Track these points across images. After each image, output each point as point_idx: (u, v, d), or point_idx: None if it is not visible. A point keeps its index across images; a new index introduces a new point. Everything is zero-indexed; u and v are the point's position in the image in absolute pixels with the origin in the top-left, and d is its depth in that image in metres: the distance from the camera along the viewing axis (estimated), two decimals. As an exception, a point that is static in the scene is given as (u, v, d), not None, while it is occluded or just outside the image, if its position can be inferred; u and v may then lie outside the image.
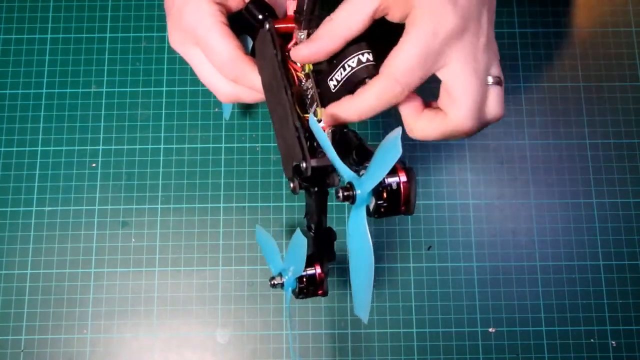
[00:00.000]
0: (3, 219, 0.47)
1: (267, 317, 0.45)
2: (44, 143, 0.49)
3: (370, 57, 0.30)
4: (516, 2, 0.52)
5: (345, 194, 0.26)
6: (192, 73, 0.37)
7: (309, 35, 0.32)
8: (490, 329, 0.45)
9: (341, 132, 0.30)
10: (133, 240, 0.47)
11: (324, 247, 0.36)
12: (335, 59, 0.30)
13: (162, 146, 0.49)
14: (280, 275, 0.35)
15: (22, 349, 0.45)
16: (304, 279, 0.34)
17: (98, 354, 0.45)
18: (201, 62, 0.35)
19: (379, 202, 0.26)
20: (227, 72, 0.34)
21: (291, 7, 0.33)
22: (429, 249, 0.47)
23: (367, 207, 0.27)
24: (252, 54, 0.36)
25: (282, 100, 0.32)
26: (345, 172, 0.26)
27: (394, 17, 0.30)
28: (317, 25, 0.31)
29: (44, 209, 0.47)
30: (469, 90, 0.30)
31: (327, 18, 0.31)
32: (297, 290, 0.35)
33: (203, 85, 0.36)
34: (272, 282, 0.35)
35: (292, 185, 0.32)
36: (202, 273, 0.46)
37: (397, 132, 0.24)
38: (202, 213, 0.47)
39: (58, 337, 0.45)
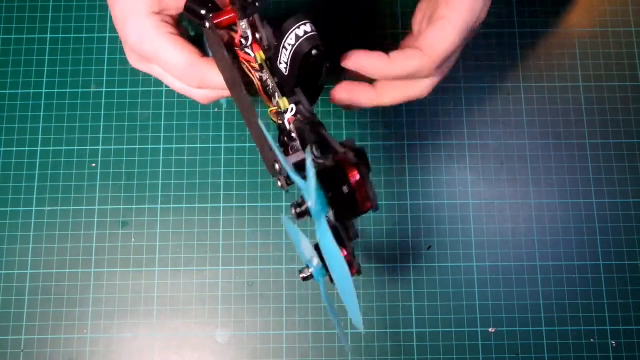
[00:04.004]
0: (3, 219, 0.47)
1: (267, 317, 0.45)
2: (44, 143, 0.49)
3: (308, 28, 0.28)
4: (516, 2, 0.52)
5: (299, 210, 0.24)
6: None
7: (252, 24, 0.30)
8: (490, 329, 0.45)
9: (301, 123, 0.28)
10: (133, 240, 0.47)
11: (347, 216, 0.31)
12: (277, 41, 0.29)
13: (162, 146, 0.49)
14: (307, 267, 0.32)
15: (22, 349, 0.45)
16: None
17: (98, 354, 0.45)
18: (164, 75, 0.34)
19: (336, 210, 0.25)
20: (188, 81, 0.33)
21: None
22: (429, 249, 0.47)
23: (328, 217, 0.25)
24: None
25: (241, 98, 0.30)
26: (298, 182, 0.24)
27: None
28: (255, 12, 0.29)
29: (44, 209, 0.47)
30: None
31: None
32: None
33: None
34: (302, 277, 0.32)
35: (279, 184, 0.30)
36: (202, 273, 0.46)
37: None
38: (202, 213, 0.47)
39: (58, 337, 0.45)
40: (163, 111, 0.49)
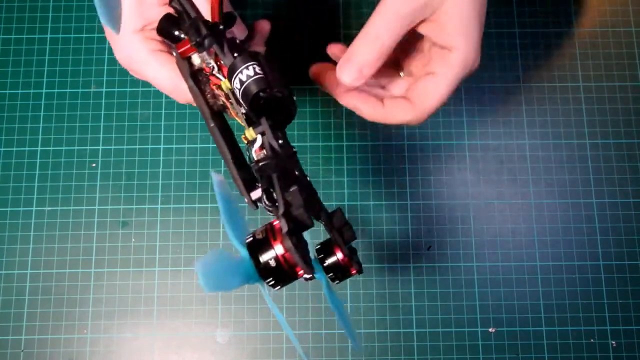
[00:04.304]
0: (3, 219, 0.47)
1: (267, 317, 0.45)
2: (44, 143, 0.49)
3: (251, 72, 0.28)
4: (516, 2, 0.52)
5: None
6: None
7: (214, 54, 0.30)
8: (490, 329, 0.45)
9: (261, 163, 0.29)
10: (133, 240, 0.47)
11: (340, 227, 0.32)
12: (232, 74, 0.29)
13: (162, 146, 0.49)
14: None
15: (22, 349, 0.45)
16: (330, 269, 0.31)
17: (98, 354, 0.45)
18: (156, 84, 0.35)
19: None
20: (177, 98, 0.34)
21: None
22: (429, 249, 0.47)
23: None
24: None
25: (211, 130, 0.31)
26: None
27: (436, 38, 0.32)
28: (211, 45, 0.29)
29: (44, 209, 0.47)
30: (473, 24, 0.32)
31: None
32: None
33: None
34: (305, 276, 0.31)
35: (245, 200, 0.31)
36: (202, 273, 0.46)
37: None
38: (202, 213, 0.47)
39: (58, 337, 0.45)
40: (163, 111, 0.49)
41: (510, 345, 0.45)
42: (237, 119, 0.31)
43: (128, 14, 0.33)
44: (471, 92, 0.50)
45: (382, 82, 0.37)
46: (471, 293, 0.46)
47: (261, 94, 0.28)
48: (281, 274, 0.25)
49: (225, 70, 0.30)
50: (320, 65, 0.36)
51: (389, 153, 0.48)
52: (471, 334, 0.45)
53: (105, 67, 0.50)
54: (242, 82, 0.28)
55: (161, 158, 0.48)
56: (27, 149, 0.48)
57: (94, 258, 0.47)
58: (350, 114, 0.49)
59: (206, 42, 0.29)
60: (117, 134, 0.49)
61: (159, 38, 0.33)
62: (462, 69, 0.32)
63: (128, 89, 0.50)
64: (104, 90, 0.50)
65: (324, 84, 0.35)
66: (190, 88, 0.31)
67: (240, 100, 0.29)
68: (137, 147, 0.49)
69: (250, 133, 0.29)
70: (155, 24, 0.33)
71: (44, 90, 0.50)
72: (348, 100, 0.34)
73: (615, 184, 0.48)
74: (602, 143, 0.49)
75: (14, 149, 0.48)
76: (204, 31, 0.29)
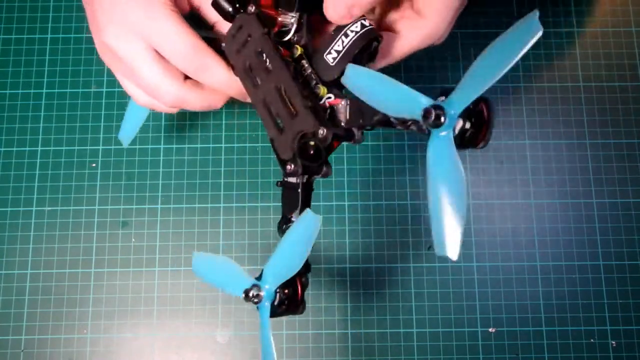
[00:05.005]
0: (3, 219, 0.47)
1: (267, 317, 0.45)
2: (44, 143, 0.49)
3: (366, 23, 0.30)
4: (516, 2, 0.52)
5: (437, 112, 0.23)
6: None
7: (300, 18, 0.32)
8: (490, 329, 0.45)
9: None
10: (133, 240, 0.47)
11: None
12: (333, 30, 0.30)
13: (162, 146, 0.49)
14: (257, 286, 0.30)
15: (22, 349, 0.45)
16: (286, 290, 0.30)
17: (98, 354, 0.45)
18: (143, 60, 0.33)
19: (465, 126, 0.24)
20: (187, 62, 0.32)
21: None
22: (429, 249, 0.47)
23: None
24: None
25: (280, 77, 0.30)
26: (423, 99, 0.24)
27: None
28: (307, 9, 0.31)
29: (44, 209, 0.47)
30: None
31: None
32: (276, 302, 0.30)
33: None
34: (250, 294, 0.30)
35: (290, 166, 0.30)
36: (202, 273, 0.46)
37: (534, 12, 0.22)
38: (202, 213, 0.47)
39: (58, 337, 0.45)
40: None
41: (510, 345, 0.45)
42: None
43: None
44: (471, 92, 0.50)
45: None
46: (471, 293, 0.46)
47: (374, 43, 0.30)
48: (479, 126, 0.25)
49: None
50: None
51: (389, 153, 0.48)
52: (471, 334, 0.45)
53: (106, 67, 0.50)
54: (363, 26, 0.29)
55: (161, 158, 0.48)
56: (27, 149, 0.48)
57: (94, 258, 0.47)
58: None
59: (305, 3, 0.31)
60: (117, 134, 0.49)
61: (177, 9, 0.33)
62: (426, 39, 0.32)
63: (128, 89, 0.50)
64: (104, 90, 0.50)
65: None
66: (263, 38, 0.31)
67: (327, 57, 0.30)
68: (137, 147, 0.49)
69: (323, 90, 0.30)
70: (181, 8, 0.33)
71: (44, 90, 0.50)
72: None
73: (615, 184, 0.48)
74: (602, 143, 0.49)
75: (14, 149, 0.48)
76: None
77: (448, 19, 0.32)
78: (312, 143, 0.29)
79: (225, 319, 0.46)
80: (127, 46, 0.33)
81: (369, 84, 0.27)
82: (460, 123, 0.24)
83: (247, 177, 0.48)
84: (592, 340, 0.45)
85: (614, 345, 0.45)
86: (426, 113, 0.24)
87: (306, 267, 0.30)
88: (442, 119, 0.23)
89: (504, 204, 0.48)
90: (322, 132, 0.28)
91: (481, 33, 0.51)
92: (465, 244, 0.47)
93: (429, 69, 0.50)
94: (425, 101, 0.24)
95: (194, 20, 0.35)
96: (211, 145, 0.49)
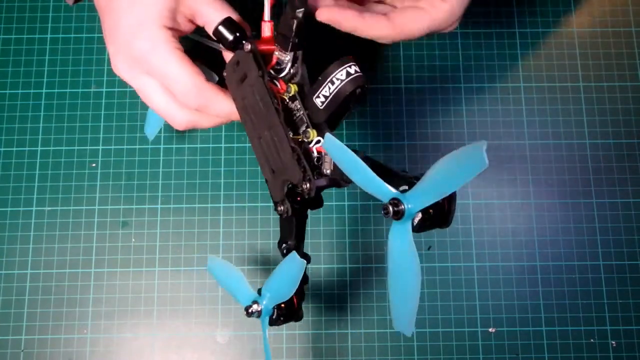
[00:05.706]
0: (3, 219, 0.47)
1: (267, 317, 0.45)
2: (44, 143, 0.49)
3: (357, 69, 0.30)
4: (516, 2, 0.52)
5: (396, 209, 0.26)
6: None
7: (294, 58, 0.33)
8: (490, 329, 0.45)
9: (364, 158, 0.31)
10: (133, 240, 0.47)
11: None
12: (320, 76, 0.31)
13: (162, 146, 0.49)
14: (256, 302, 0.33)
15: (22, 349, 0.45)
16: (282, 305, 0.33)
17: (98, 354, 0.45)
18: (154, 91, 0.34)
19: (425, 216, 0.26)
20: (190, 101, 0.33)
21: (266, 29, 0.33)
22: (429, 249, 0.47)
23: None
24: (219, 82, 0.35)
25: (272, 123, 0.31)
26: (386, 189, 0.27)
27: None
28: (300, 48, 0.32)
29: (44, 209, 0.47)
30: None
31: None
32: (274, 317, 0.33)
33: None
34: (250, 311, 0.33)
35: (281, 208, 0.32)
36: (202, 273, 0.46)
37: (481, 143, 0.23)
38: (202, 213, 0.47)
39: (58, 337, 0.45)
40: (163, 111, 0.49)
41: (510, 345, 0.45)
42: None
43: (161, 9, 0.32)
44: (471, 92, 0.50)
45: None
46: (471, 293, 0.46)
47: (358, 90, 0.30)
48: (440, 214, 0.27)
49: (280, 81, 0.33)
50: None
51: (389, 153, 0.48)
52: (471, 334, 0.45)
53: (106, 67, 0.50)
54: (349, 75, 0.30)
55: (161, 158, 0.48)
56: (27, 149, 0.48)
57: (94, 258, 0.47)
58: (351, 114, 0.49)
59: (298, 45, 0.32)
60: (117, 134, 0.49)
61: (178, 39, 0.33)
62: (446, 19, 0.35)
63: (128, 89, 0.50)
64: (104, 90, 0.50)
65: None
66: (258, 80, 0.32)
67: (316, 101, 0.31)
68: (137, 147, 0.49)
69: (313, 133, 0.31)
70: (180, 32, 0.34)
71: (44, 90, 0.50)
72: (329, 15, 0.34)
73: (615, 184, 0.48)
74: (602, 143, 0.49)
75: (14, 149, 0.48)
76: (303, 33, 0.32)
77: (464, 4, 0.35)
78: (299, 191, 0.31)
79: (225, 319, 0.46)
80: (134, 78, 0.34)
81: (341, 160, 0.28)
82: (419, 216, 0.26)
83: (247, 177, 0.48)
84: (592, 340, 0.45)
85: (614, 345, 0.45)
86: (385, 210, 0.26)
87: (304, 279, 0.32)
88: (399, 214, 0.26)
89: (504, 204, 0.48)
90: (306, 186, 0.30)
91: (481, 33, 0.51)
92: (465, 244, 0.47)
93: (429, 69, 0.50)
94: (388, 192, 0.26)
95: (201, 30, 0.35)
96: (211, 145, 0.49)
